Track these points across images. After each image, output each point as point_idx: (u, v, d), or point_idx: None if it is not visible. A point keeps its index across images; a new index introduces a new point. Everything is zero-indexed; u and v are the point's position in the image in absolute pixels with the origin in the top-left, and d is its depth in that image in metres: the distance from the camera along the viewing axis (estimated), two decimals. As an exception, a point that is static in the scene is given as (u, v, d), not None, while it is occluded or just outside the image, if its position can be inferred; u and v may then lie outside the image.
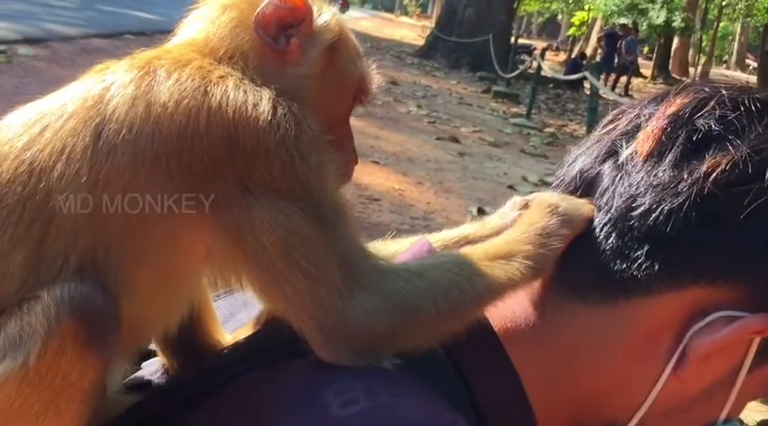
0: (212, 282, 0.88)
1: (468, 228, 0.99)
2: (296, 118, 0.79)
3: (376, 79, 0.96)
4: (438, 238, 0.98)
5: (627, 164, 0.84)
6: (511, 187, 7.34)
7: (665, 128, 0.83)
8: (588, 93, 12.82)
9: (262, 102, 0.78)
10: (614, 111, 0.94)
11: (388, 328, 0.77)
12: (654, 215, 0.80)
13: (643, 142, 0.84)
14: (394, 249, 0.99)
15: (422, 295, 0.79)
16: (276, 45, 0.86)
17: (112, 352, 0.77)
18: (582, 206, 0.87)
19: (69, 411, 0.74)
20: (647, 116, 0.87)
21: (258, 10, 0.85)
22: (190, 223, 0.77)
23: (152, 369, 0.97)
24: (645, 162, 0.83)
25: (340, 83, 0.91)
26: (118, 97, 0.78)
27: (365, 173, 6.51)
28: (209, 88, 0.78)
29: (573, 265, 0.86)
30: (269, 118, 0.77)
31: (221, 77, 0.79)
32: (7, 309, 0.75)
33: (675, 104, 0.85)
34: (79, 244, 0.77)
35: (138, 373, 0.97)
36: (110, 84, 0.79)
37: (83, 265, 0.77)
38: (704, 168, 0.80)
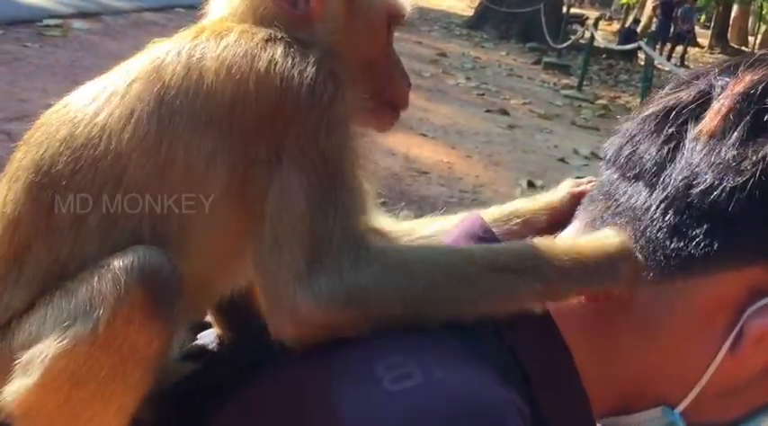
0: None
1: (519, 203, 0.98)
2: (335, 85, 0.81)
3: (405, 5, 0.96)
4: (487, 213, 0.98)
5: (690, 142, 0.82)
6: (562, 160, 7.24)
7: (734, 107, 0.81)
8: (643, 63, 12.49)
9: (306, 67, 0.80)
10: (675, 82, 0.91)
11: (338, 318, 0.76)
12: (715, 193, 0.78)
13: (710, 120, 0.82)
14: (437, 227, 0.99)
15: (392, 292, 0.77)
16: (296, 10, 0.87)
17: (177, 321, 0.79)
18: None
19: (135, 376, 0.77)
20: (719, 90, 0.84)
21: None
22: (242, 184, 0.80)
23: (207, 340, 0.99)
24: (709, 140, 0.81)
25: (369, 21, 0.92)
26: (174, 63, 0.82)
27: (413, 146, 6.49)
28: (255, 52, 0.81)
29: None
30: (310, 84, 0.79)
31: (267, 41, 0.82)
32: (78, 275, 0.79)
33: (744, 82, 0.82)
34: (146, 206, 0.80)
35: (194, 343, 0.99)
36: (166, 53, 0.83)
37: (150, 230, 0.80)
38: None
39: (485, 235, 0.90)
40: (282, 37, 0.83)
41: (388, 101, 0.95)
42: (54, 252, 0.81)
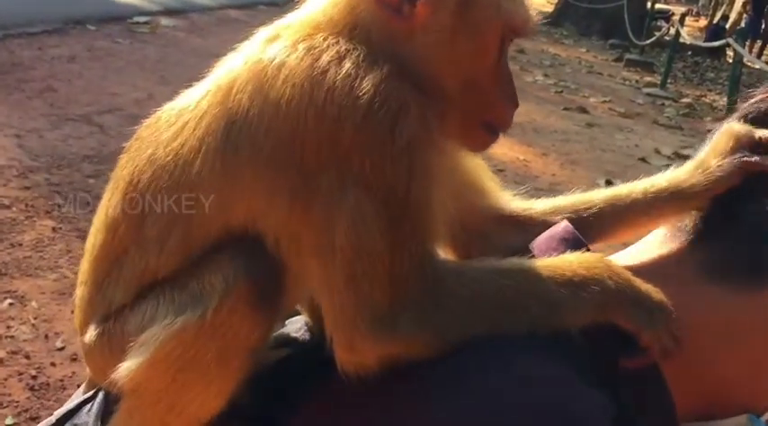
0: None
1: (678, 175, 0.91)
2: (399, 113, 0.77)
3: (526, 15, 0.87)
4: (638, 188, 0.94)
5: None
6: (642, 159, 7.05)
7: None
8: (731, 61, 12.02)
9: (366, 93, 0.77)
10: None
11: (417, 352, 0.78)
12: None
13: None
14: (572, 201, 1.02)
15: (467, 323, 0.78)
16: (399, 14, 0.82)
17: (277, 314, 0.84)
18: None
19: (236, 361, 0.81)
20: None
21: None
22: (304, 214, 0.81)
23: (296, 327, 1.03)
24: None
25: (479, 35, 0.84)
26: (240, 94, 0.82)
27: (489, 144, 6.44)
28: (314, 82, 0.78)
29: (715, 246, 0.84)
30: (370, 113, 0.76)
31: (333, 60, 0.79)
32: (188, 270, 0.84)
33: None
34: (219, 232, 0.84)
35: (283, 330, 1.04)
36: (234, 79, 0.84)
37: (244, 241, 0.83)
38: None
39: (568, 236, 0.90)
40: (357, 55, 0.79)
41: (487, 121, 0.90)
42: (144, 260, 0.87)
